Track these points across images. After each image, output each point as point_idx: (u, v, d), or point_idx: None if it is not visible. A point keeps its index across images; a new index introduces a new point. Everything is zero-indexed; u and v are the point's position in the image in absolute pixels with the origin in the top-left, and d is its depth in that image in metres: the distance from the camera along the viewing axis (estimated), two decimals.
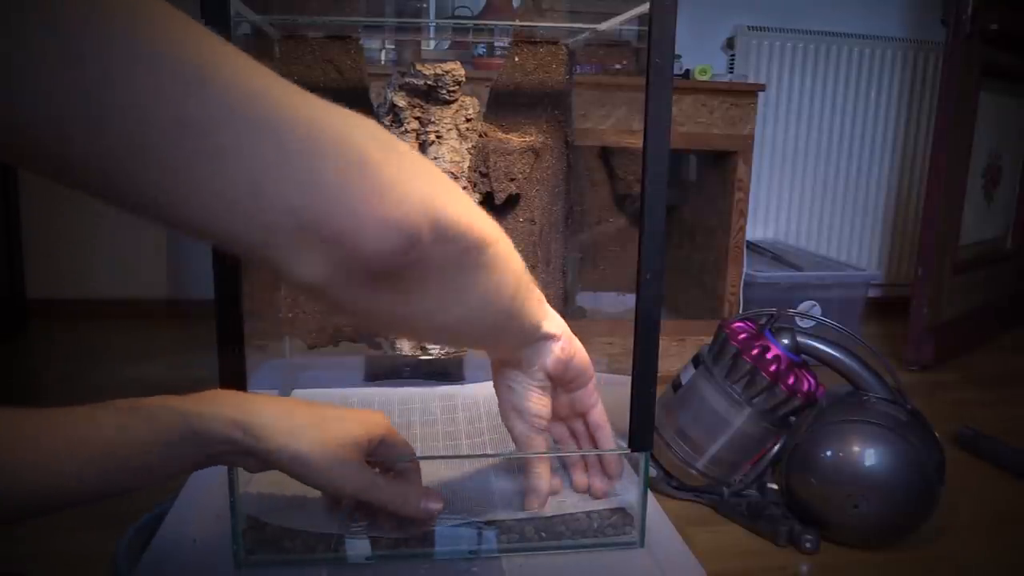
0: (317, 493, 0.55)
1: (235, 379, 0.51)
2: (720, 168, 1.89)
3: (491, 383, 0.56)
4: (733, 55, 2.42)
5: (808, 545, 1.08)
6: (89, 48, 0.25)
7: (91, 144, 0.26)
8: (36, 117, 0.25)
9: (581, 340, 0.54)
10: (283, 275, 0.31)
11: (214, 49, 0.28)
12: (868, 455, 1.06)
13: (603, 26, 0.71)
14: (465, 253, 0.35)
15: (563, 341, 0.52)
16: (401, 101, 0.67)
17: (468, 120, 0.69)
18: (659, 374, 0.56)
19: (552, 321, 0.52)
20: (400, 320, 0.40)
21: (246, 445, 0.47)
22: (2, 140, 0.26)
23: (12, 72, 0.24)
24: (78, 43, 0.25)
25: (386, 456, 0.55)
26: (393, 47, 1.38)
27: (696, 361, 1.23)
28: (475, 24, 1.62)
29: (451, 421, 0.74)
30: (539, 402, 0.54)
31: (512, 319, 0.47)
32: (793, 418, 1.16)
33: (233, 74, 0.28)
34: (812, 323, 1.51)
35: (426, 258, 0.32)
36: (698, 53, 2.30)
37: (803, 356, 1.18)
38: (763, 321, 1.21)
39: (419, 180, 0.32)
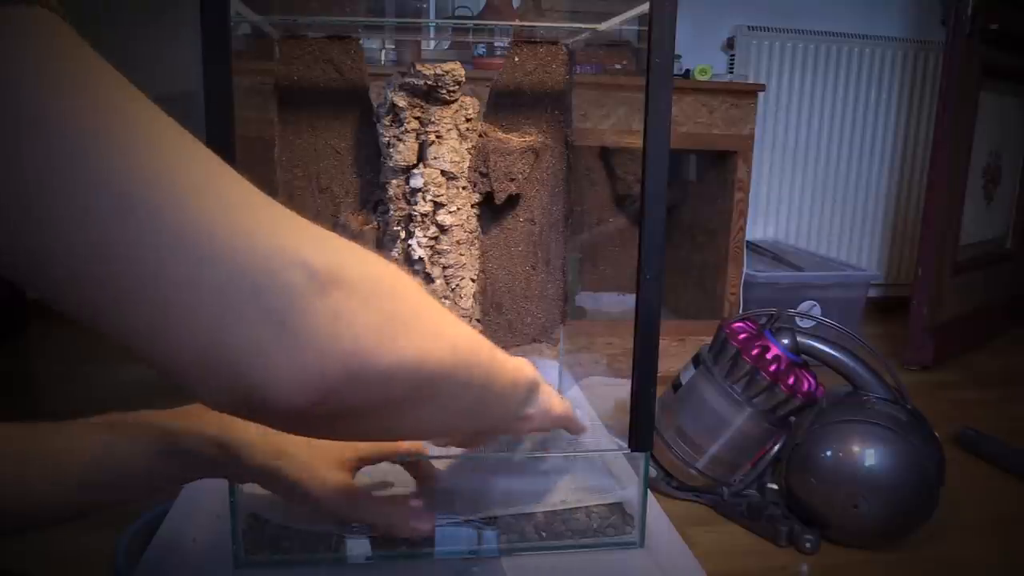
0: None
1: None
2: (720, 168, 1.89)
3: None
4: (733, 55, 2.41)
5: (808, 545, 1.08)
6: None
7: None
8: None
9: (581, 340, 0.54)
10: (196, 398, 0.30)
11: (152, 162, 0.27)
12: (868, 455, 1.06)
13: (603, 26, 0.71)
14: (405, 391, 0.33)
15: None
16: (401, 101, 0.67)
17: (468, 120, 0.69)
18: (659, 374, 0.56)
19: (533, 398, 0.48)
20: (332, 435, 0.39)
21: (226, 463, 0.47)
22: None
23: None
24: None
25: (386, 457, 0.55)
26: (393, 47, 1.38)
27: (696, 361, 1.23)
28: (475, 24, 1.62)
29: None
30: None
31: (483, 414, 0.44)
32: (793, 418, 1.16)
33: (163, 195, 0.26)
34: (812, 323, 1.51)
35: (346, 403, 0.30)
36: (698, 53, 2.30)
37: (803, 356, 1.17)
38: (763, 321, 1.21)
39: (353, 326, 0.29)
